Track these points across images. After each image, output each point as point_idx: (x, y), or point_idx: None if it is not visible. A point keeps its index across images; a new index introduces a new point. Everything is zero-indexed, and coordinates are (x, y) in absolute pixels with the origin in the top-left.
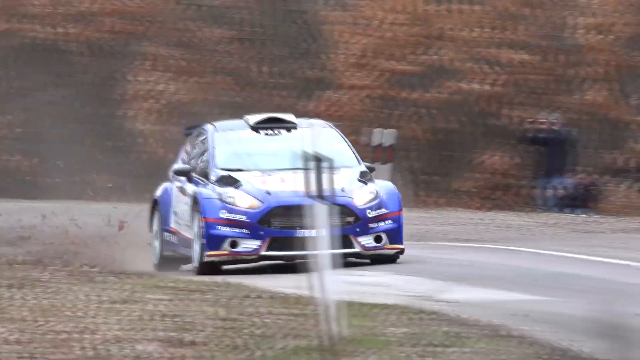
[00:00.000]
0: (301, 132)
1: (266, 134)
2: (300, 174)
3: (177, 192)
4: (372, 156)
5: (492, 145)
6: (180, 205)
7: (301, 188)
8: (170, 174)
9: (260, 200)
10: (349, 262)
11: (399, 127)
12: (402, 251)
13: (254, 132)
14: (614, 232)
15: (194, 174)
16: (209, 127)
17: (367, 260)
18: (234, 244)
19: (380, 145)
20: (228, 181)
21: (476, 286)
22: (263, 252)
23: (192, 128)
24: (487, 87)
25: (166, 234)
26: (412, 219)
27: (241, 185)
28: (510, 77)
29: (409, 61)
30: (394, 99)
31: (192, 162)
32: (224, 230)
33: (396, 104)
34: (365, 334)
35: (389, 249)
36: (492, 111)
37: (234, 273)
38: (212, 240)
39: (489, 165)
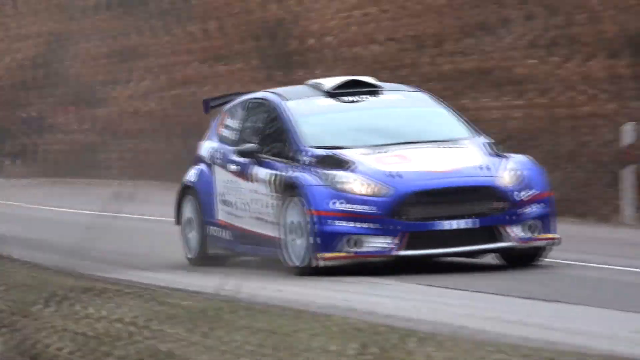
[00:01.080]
0: (391, 97)
1: (348, 101)
2: (422, 150)
3: (229, 176)
4: None
5: None
6: (242, 194)
7: (434, 167)
8: (216, 154)
9: (387, 185)
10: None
11: None
12: (555, 242)
13: (331, 99)
14: None
15: (263, 155)
16: (270, 96)
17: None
18: (357, 243)
19: None
20: (333, 162)
21: None
22: (400, 252)
23: (218, 99)
24: None
25: (212, 227)
26: None
27: (355, 166)
28: None
29: None
30: None
31: (253, 140)
32: (341, 225)
33: None
34: None
35: (542, 239)
36: None
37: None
38: (326, 239)
39: None
